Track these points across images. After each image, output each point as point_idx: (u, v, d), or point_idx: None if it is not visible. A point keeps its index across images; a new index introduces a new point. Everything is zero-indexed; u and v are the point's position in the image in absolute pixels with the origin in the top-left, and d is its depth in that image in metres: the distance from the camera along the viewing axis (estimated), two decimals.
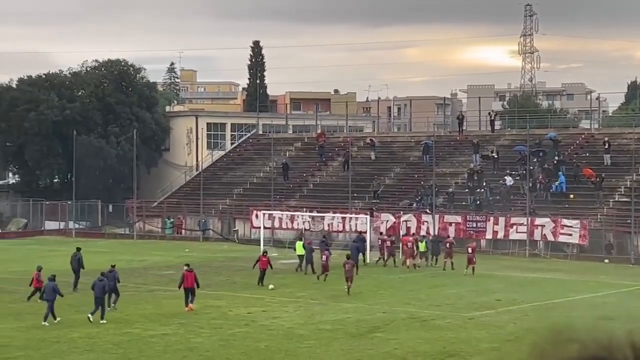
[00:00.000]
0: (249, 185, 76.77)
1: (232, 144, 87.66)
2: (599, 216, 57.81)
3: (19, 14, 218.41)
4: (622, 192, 60.49)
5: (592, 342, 2.93)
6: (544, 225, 57.33)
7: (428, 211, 61.92)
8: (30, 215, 79.35)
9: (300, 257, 47.93)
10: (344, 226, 64.02)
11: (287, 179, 74.16)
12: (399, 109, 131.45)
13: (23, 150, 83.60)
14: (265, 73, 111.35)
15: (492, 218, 59.69)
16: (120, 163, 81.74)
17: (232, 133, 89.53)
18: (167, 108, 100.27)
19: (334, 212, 64.28)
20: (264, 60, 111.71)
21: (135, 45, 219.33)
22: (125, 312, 34.10)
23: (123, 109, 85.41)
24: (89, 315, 31.82)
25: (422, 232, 57.34)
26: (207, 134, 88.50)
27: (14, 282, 44.02)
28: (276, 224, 66.12)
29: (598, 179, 59.67)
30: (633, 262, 53.70)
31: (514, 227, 58.45)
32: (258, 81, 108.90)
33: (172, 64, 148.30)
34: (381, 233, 56.18)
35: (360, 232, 53.85)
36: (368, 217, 57.51)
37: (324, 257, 44.27)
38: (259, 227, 60.14)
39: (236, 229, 70.69)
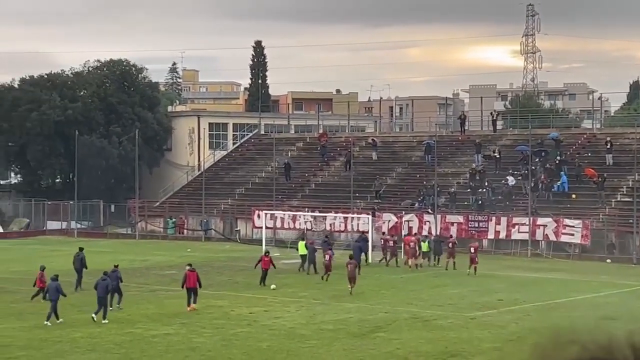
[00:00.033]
0: (251, 185, 76.78)
1: (234, 143, 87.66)
2: (601, 216, 57.79)
3: (21, 14, 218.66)
4: (624, 192, 60.45)
5: (592, 343, 2.93)
6: (546, 225, 57.31)
7: (430, 211, 61.91)
8: (32, 215, 79.40)
9: (303, 256, 47.94)
10: (345, 226, 64.00)
11: (289, 179, 74.17)
12: (400, 108, 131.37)
13: (25, 150, 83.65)
14: (267, 73, 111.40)
15: (494, 218, 59.68)
16: (122, 163, 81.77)
17: (234, 133, 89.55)
18: (169, 108, 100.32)
19: (336, 212, 64.27)
20: (266, 60, 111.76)
21: (137, 45, 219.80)
22: (127, 312, 34.11)
23: (125, 109, 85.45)
24: (93, 315, 31.84)
25: (424, 232, 57.34)
26: (209, 133, 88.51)
27: (16, 282, 44.06)
28: (278, 224, 66.11)
29: (600, 179, 59.64)
30: (635, 262, 53.68)
31: (516, 227, 58.43)
32: (260, 81, 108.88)
33: (174, 63, 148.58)
34: (384, 233, 56.20)
35: (363, 232, 53.82)
36: (370, 217, 57.51)
37: (327, 257, 44.36)
38: (261, 227, 60.14)
39: (238, 228, 70.70)
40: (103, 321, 31.65)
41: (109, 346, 28.02)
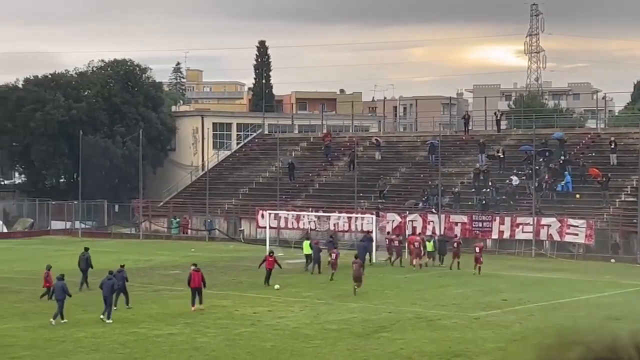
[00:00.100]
0: (254, 185, 76.79)
1: (238, 143, 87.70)
2: (605, 216, 57.73)
3: (25, 14, 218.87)
4: (629, 192, 60.39)
5: (597, 344, 2.92)
6: (550, 225, 57.26)
7: (434, 211, 61.89)
8: (36, 215, 79.46)
9: (307, 256, 47.97)
10: (349, 226, 63.98)
11: (292, 179, 74.16)
12: (404, 108, 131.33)
13: (29, 150, 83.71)
14: (271, 73, 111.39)
15: (498, 218, 59.63)
16: (126, 163, 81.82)
17: (238, 133, 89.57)
18: (173, 108, 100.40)
19: (340, 212, 64.25)
20: (270, 60, 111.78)
21: (141, 45, 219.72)
22: (131, 311, 34.14)
23: (129, 109, 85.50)
24: (102, 317, 31.86)
25: (428, 232, 57.30)
26: (213, 133, 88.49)
27: (19, 281, 44.14)
28: (282, 224, 66.12)
29: (604, 179, 59.58)
30: (639, 261, 53.61)
31: (520, 227, 58.38)
32: (264, 81, 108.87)
33: (178, 63, 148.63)
34: (388, 232, 56.24)
35: (368, 232, 53.80)
36: (374, 217, 57.50)
37: (334, 255, 44.47)
38: (265, 227, 60.13)
39: (242, 228, 70.73)
40: (107, 321, 31.68)
41: (113, 346, 28.04)
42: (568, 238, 56.56)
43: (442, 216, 60.72)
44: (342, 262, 43.88)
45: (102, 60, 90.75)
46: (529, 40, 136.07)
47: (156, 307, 35.65)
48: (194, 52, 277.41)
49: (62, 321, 31.63)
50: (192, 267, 35.92)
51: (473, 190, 64.79)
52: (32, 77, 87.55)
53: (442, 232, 57.62)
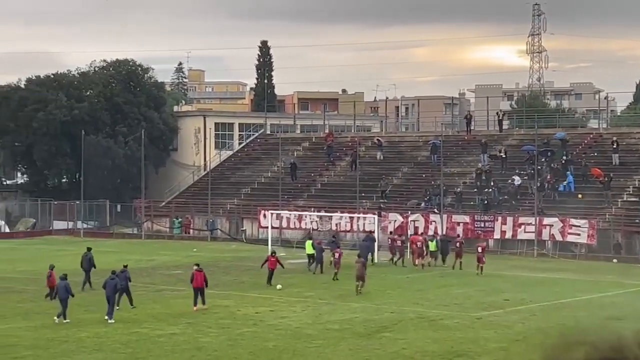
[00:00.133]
0: (256, 185, 76.80)
1: (240, 143, 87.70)
2: (607, 216, 57.69)
3: (27, 14, 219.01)
4: (631, 192, 60.38)
5: (602, 343, 2.93)
6: (552, 225, 57.24)
7: (436, 211, 61.88)
8: (38, 215, 79.48)
9: (310, 256, 47.99)
10: (351, 226, 64.00)
11: (294, 179, 74.17)
12: (406, 108, 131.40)
13: (31, 150, 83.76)
14: (273, 73, 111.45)
15: (500, 218, 59.62)
16: (128, 163, 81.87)
17: (240, 133, 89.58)
18: (175, 108, 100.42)
19: (342, 212, 64.26)
20: (272, 60, 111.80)
21: (143, 45, 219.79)
22: (133, 311, 34.16)
23: (131, 109, 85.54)
24: (106, 317, 31.89)
25: (430, 232, 57.30)
26: (215, 133, 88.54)
27: (22, 281, 44.18)
28: (284, 224, 66.13)
29: (606, 179, 59.55)
30: None
31: (522, 226, 58.37)
32: (266, 81, 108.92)
33: (180, 63, 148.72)
34: (391, 232, 56.27)
35: (371, 232, 53.81)
36: (376, 217, 57.50)
37: (337, 255, 44.53)
38: (267, 227, 60.12)
39: (244, 228, 70.72)
40: (109, 321, 31.71)
41: (115, 346, 28.05)
42: (570, 238, 56.54)
43: (444, 216, 60.71)
44: (344, 262, 43.93)
45: (104, 60, 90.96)
46: (531, 40, 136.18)
47: (158, 307, 35.67)
48: (195, 52, 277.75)
49: (65, 321, 31.66)
50: (195, 267, 35.95)
51: (475, 190, 64.77)
52: (34, 77, 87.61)
53: (444, 232, 57.61)
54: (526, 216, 58.88)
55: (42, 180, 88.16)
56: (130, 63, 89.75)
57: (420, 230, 57.35)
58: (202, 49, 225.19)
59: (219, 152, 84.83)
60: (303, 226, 65.15)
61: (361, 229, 60.75)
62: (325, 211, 65.31)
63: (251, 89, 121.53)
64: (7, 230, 76.52)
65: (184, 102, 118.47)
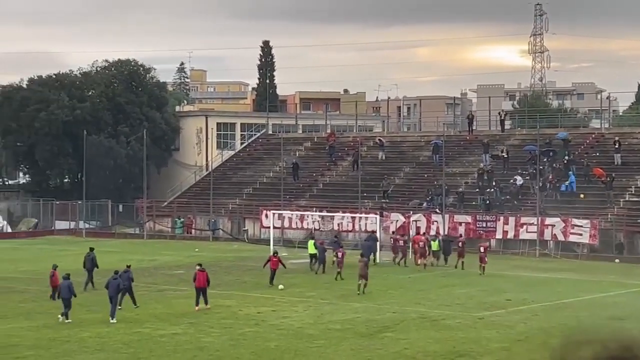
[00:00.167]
0: (258, 185, 76.80)
1: (241, 143, 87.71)
2: (609, 216, 57.67)
3: (27, 14, 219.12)
4: (633, 192, 60.34)
5: (612, 342, 2.92)
6: (554, 225, 57.21)
7: (438, 211, 61.86)
8: (40, 215, 79.53)
9: (312, 255, 48.00)
10: (353, 226, 63.99)
11: (296, 179, 74.17)
12: (408, 108, 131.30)
13: (33, 150, 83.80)
14: (275, 73, 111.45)
15: (502, 218, 59.60)
16: (130, 163, 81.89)
17: (242, 133, 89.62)
18: (177, 108, 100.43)
19: (344, 212, 64.25)
20: (274, 60, 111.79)
21: (144, 45, 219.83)
22: (135, 311, 34.16)
23: (133, 109, 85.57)
24: (110, 319, 31.90)
25: (432, 232, 57.27)
26: (217, 133, 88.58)
27: (24, 281, 44.20)
28: (286, 224, 66.14)
29: (608, 179, 59.52)
30: None
31: (524, 226, 58.34)
32: (268, 81, 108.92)
33: (182, 63, 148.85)
34: (393, 232, 56.24)
35: (373, 232, 53.82)
36: (378, 216, 57.47)
37: (340, 254, 44.54)
38: (269, 227, 60.16)
39: (246, 228, 70.73)
40: (111, 320, 31.72)
41: (117, 346, 28.06)
42: (572, 238, 56.51)
43: (446, 216, 60.70)
44: (347, 262, 43.94)
45: (106, 61, 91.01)
46: (533, 40, 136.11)
47: (160, 307, 35.68)
48: (198, 52, 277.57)
49: (67, 321, 31.69)
50: (197, 267, 35.95)
51: (477, 190, 64.76)
52: (36, 77, 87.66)
53: (446, 232, 57.60)
54: (528, 216, 58.86)
55: (44, 180, 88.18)
56: (132, 63, 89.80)
57: (422, 230, 57.34)
58: (202, 49, 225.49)
59: (221, 152, 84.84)
60: (305, 226, 65.16)
61: (363, 229, 60.75)
62: (327, 211, 65.31)
63: (253, 89, 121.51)
64: (9, 230, 76.59)
65: (186, 102, 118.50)
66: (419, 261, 49.41)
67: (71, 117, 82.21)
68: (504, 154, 66.54)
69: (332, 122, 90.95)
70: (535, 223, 57.51)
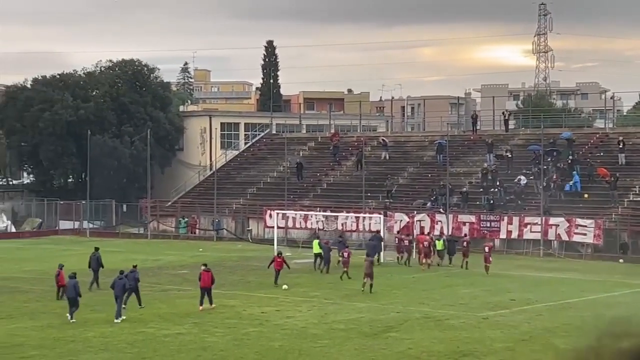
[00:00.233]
0: (262, 185, 76.83)
1: (245, 143, 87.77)
2: (613, 216, 57.64)
3: (28, 14, 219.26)
4: (637, 192, 60.29)
5: None
6: (558, 225, 57.18)
7: (442, 211, 61.85)
8: (44, 215, 79.61)
9: (317, 255, 48.00)
10: (357, 226, 63.97)
11: (300, 179, 74.19)
12: (412, 108, 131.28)
13: (37, 150, 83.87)
14: (278, 73, 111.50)
15: (506, 218, 59.57)
16: (134, 163, 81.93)
17: (246, 133, 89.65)
18: (181, 108, 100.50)
19: (348, 212, 64.24)
20: (278, 60, 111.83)
21: (146, 45, 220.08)
22: (139, 311, 34.17)
23: (137, 109, 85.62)
24: (117, 318, 31.93)
25: (436, 232, 57.26)
26: (221, 133, 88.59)
27: (28, 281, 44.24)
28: (290, 224, 66.14)
29: (612, 179, 59.48)
30: None
31: (528, 226, 58.31)
32: (272, 81, 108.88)
33: (186, 63, 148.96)
34: (398, 232, 56.25)
35: (377, 231, 53.82)
36: (382, 216, 57.49)
37: (345, 254, 44.58)
38: (273, 227, 60.14)
39: (250, 228, 70.78)
40: (116, 320, 31.75)
41: (122, 345, 28.08)
42: (576, 238, 56.48)
43: (450, 216, 60.69)
44: (353, 261, 43.98)
45: (110, 61, 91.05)
46: (537, 40, 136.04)
47: (164, 306, 35.69)
48: (202, 52, 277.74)
49: (72, 321, 31.72)
50: (202, 267, 35.97)
51: (481, 190, 64.74)
52: (40, 77, 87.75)
53: (450, 232, 57.59)
54: (532, 216, 58.83)
55: (48, 180, 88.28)
56: (136, 63, 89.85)
57: (427, 230, 57.34)
58: (205, 49, 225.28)
59: (225, 151, 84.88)
60: (309, 226, 65.18)
61: (367, 228, 60.72)
62: (331, 211, 65.31)
63: (257, 88, 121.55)
64: (14, 230, 76.66)
65: (189, 102, 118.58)
66: (423, 261, 49.40)
67: (75, 117, 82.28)
68: (508, 154, 66.52)
69: (336, 122, 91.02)
70: (540, 223, 57.47)
